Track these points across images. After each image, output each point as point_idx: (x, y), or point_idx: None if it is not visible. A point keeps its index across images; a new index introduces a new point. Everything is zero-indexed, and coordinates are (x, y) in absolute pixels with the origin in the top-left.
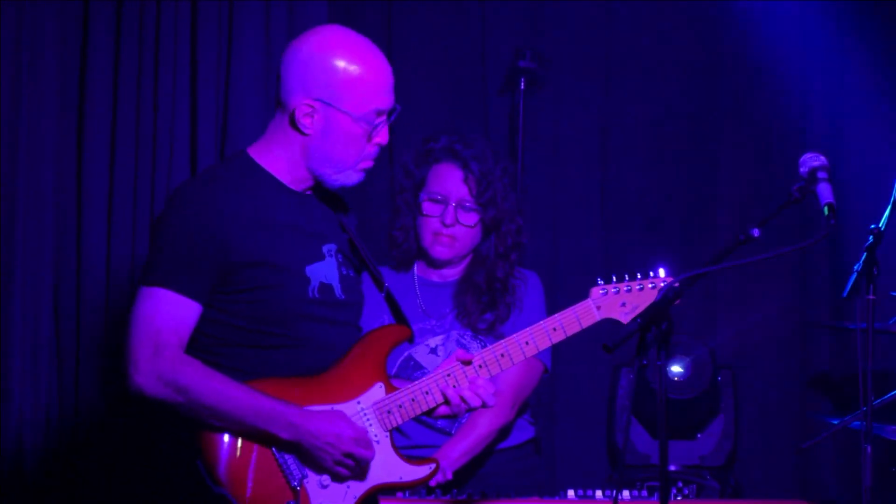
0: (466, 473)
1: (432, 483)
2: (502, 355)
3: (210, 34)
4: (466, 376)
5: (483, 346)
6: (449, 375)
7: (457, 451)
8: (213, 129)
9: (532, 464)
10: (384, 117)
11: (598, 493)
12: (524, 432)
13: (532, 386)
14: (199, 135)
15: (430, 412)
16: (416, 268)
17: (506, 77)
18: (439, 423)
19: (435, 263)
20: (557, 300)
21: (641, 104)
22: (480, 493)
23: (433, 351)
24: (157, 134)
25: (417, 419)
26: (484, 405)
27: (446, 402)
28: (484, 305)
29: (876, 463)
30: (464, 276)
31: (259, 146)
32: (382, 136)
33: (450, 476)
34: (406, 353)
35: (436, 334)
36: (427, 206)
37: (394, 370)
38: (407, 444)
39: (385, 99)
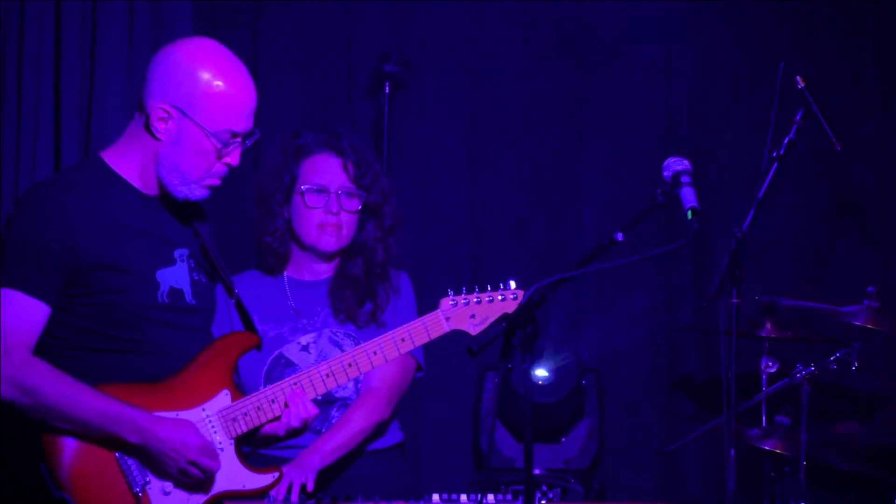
0: (332, 475)
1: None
2: (350, 364)
3: (73, 35)
4: (313, 386)
5: (356, 344)
6: (296, 384)
7: (329, 445)
8: (77, 131)
9: (399, 468)
10: (239, 139)
11: (463, 497)
12: (393, 436)
13: (407, 383)
14: (63, 137)
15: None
16: (287, 270)
17: (371, 81)
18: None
19: (319, 258)
20: (425, 302)
21: (508, 105)
22: (345, 496)
23: (305, 348)
24: (21, 136)
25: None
26: (306, 425)
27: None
28: (361, 296)
29: (739, 466)
30: (338, 272)
31: (114, 150)
32: (233, 158)
33: (314, 477)
34: (277, 351)
35: (308, 332)
36: (309, 198)
37: (265, 368)
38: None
39: (243, 122)
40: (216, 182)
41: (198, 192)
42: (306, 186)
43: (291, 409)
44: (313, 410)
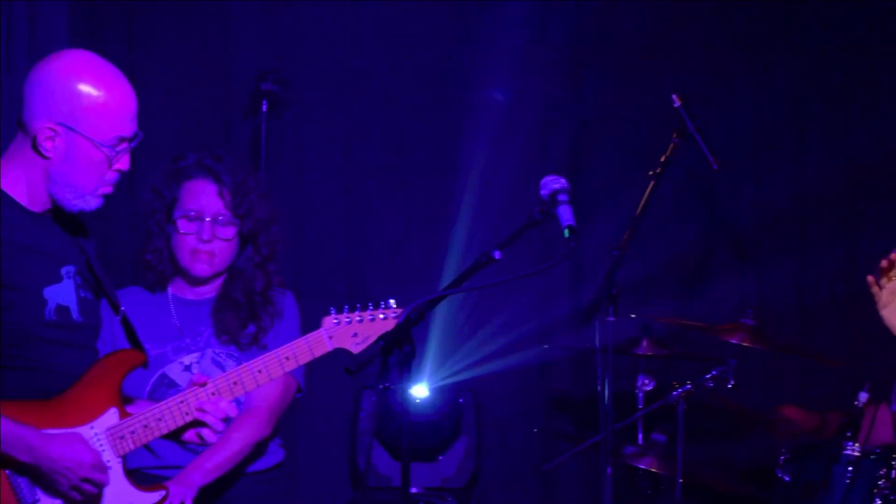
0: (214, 496)
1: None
2: (235, 383)
3: None
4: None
5: (239, 364)
6: (182, 402)
7: (210, 463)
8: None
9: (280, 488)
10: (126, 144)
11: None
12: (274, 456)
13: (287, 403)
14: None
15: (174, 435)
16: (170, 287)
17: (249, 100)
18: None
19: (194, 281)
20: (302, 320)
21: (384, 124)
22: None
23: (187, 368)
24: None
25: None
26: (201, 440)
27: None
28: (244, 319)
29: (616, 484)
30: (221, 293)
31: None
32: (123, 163)
33: (194, 494)
34: (160, 371)
35: (191, 352)
36: (183, 224)
37: (148, 388)
38: (158, 463)
39: (128, 125)
40: (109, 190)
41: (92, 203)
42: (180, 212)
43: (209, 416)
44: (233, 411)
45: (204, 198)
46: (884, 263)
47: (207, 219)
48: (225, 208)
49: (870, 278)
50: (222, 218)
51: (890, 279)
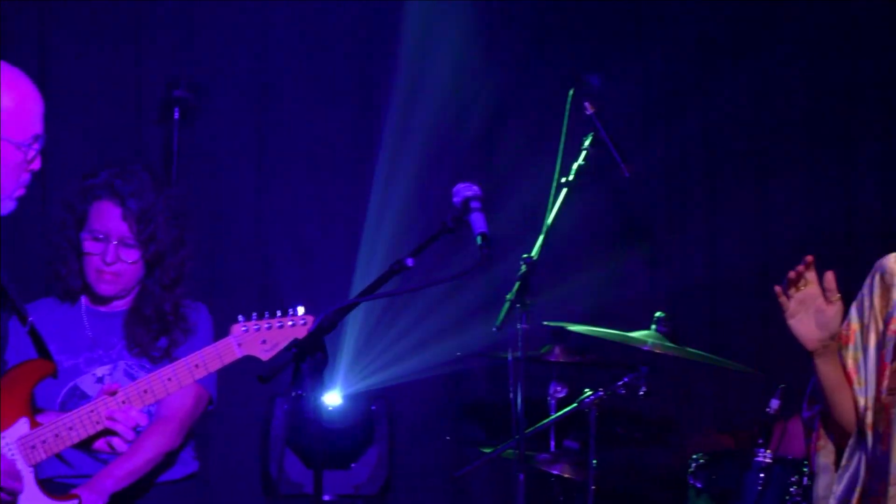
0: None
1: None
2: (145, 391)
3: None
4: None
5: None
6: (93, 411)
7: (121, 470)
8: None
9: (192, 499)
10: (40, 142)
11: None
12: (187, 466)
13: (199, 414)
14: None
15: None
16: (83, 298)
17: (161, 107)
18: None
19: (102, 299)
20: (216, 330)
21: (296, 130)
22: None
23: (100, 380)
24: None
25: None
26: (112, 448)
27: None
28: (156, 333)
29: (529, 490)
30: (132, 307)
31: None
32: (37, 163)
33: (105, 501)
34: (72, 383)
35: (104, 364)
36: (88, 245)
37: (59, 399)
38: (70, 473)
39: (41, 123)
40: (23, 192)
41: (10, 206)
42: (87, 232)
43: (120, 425)
44: (143, 420)
45: (110, 221)
46: (791, 274)
47: (114, 242)
48: (129, 231)
49: (777, 289)
50: (128, 241)
51: (798, 289)
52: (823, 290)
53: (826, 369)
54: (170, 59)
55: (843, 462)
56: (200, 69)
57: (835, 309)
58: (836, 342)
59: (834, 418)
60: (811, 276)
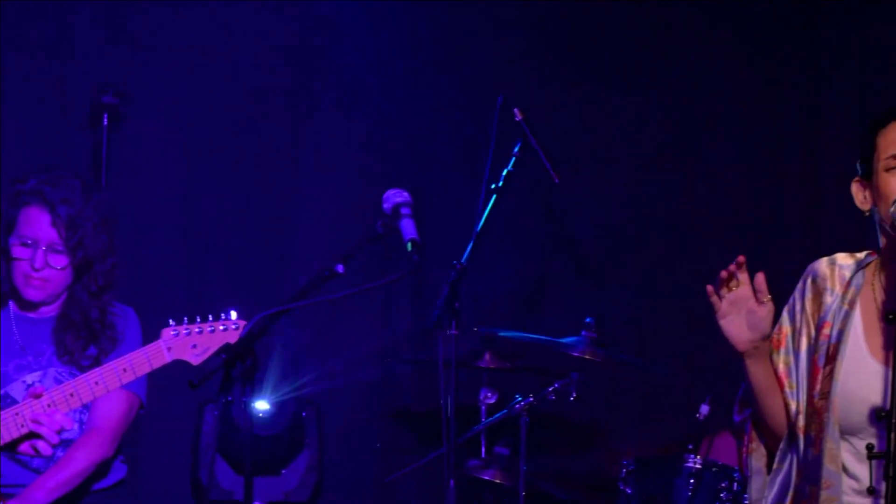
0: None
1: None
2: (71, 395)
3: None
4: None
5: None
6: (17, 414)
7: (51, 482)
8: None
9: None
10: None
11: None
12: (117, 472)
13: (130, 421)
14: None
15: (11, 447)
16: (12, 304)
17: (89, 113)
18: (34, 462)
19: (29, 304)
20: (145, 335)
21: (225, 138)
22: None
23: (29, 387)
24: None
25: (12, 458)
26: (36, 452)
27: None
28: (85, 340)
29: (459, 497)
30: (61, 314)
31: None
32: None
33: None
34: (2, 391)
35: (33, 370)
36: (17, 250)
37: None
38: None
39: None
40: None
41: None
42: (16, 238)
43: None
44: (69, 424)
45: (38, 226)
46: (723, 274)
47: (42, 247)
48: (58, 237)
49: (709, 288)
50: (56, 248)
51: (730, 289)
52: (755, 291)
53: (756, 371)
54: (98, 65)
55: (775, 465)
56: (129, 75)
57: (766, 310)
58: (768, 344)
59: (765, 421)
60: (743, 276)
